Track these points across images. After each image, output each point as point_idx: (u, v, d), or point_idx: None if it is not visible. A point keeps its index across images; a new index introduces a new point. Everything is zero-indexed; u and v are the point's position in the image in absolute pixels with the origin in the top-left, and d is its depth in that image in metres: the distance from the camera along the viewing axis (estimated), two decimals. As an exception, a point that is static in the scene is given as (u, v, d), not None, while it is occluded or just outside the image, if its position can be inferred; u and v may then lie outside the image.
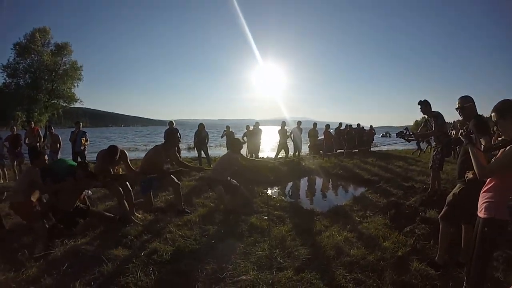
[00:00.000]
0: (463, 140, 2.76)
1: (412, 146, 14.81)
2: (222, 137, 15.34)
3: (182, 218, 5.46)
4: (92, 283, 3.48)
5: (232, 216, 5.57)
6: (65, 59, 28.01)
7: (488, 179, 2.55)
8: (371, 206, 6.09)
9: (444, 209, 3.60)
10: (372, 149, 17.45)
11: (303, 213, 5.73)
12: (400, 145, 21.44)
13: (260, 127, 13.87)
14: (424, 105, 6.15)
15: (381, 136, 56.40)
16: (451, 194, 3.64)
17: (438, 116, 5.99)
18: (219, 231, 4.89)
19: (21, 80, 26.89)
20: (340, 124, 16.78)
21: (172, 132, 7.79)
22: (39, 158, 4.87)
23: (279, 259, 3.88)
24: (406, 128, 6.14)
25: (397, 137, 6.05)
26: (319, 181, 10.06)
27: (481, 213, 2.55)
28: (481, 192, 2.62)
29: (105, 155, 5.41)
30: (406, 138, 5.96)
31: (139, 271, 3.69)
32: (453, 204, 3.53)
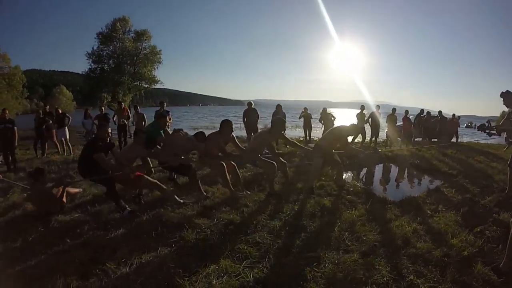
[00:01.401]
0: None
1: (496, 140, 13.87)
2: (300, 118, 15.32)
3: (258, 194, 5.88)
4: (173, 245, 3.96)
5: (305, 196, 5.84)
6: (145, 44, 29.77)
7: None
8: (444, 200, 5.95)
9: None
10: (453, 140, 16.27)
11: (375, 200, 5.77)
12: (487, 138, 19.92)
13: (334, 110, 13.85)
14: (507, 97, 5.68)
15: (465, 127, 51.69)
16: None
17: None
18: (293, 209, 5.18)
19: (105, 65, 29.16)
20: (422, 110, 15.87)
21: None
22: (137, 136, 5.75)
23: (347, 242, 4.05)
24: (488, 121, 5.83)
25: (478, 130, 5.77)
26: (394, 170, 9.92)
27: None
28: None
29: (224, 128, 5.92)
30: (487, 132, 5.58)
31: (216, 238, 4.12)
32: None
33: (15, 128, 9.17)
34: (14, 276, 3.46)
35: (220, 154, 5.96)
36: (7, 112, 9.59)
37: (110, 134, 5.60)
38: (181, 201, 5.48)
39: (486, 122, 5.71)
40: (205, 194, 5.86)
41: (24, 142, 13.79)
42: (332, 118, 14.12)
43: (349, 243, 4.03)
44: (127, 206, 5.23)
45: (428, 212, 5.33)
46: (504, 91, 5.71)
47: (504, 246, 3.71)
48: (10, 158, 9.11)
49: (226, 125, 5.95)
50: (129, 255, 3.72)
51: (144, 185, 5.64)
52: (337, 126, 6.88)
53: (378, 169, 9.90)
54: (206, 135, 6.04)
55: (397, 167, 10.17)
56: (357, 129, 6.51)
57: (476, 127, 7.72)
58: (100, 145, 5.28)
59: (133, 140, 5.93)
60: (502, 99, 5.78)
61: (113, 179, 5.29)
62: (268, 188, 6.09)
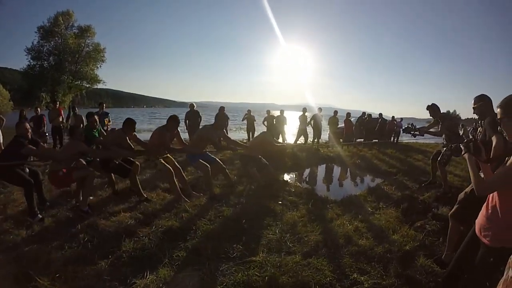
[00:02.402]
0: (462, 148, 2.41)
1: (434, 140, 14.52)
2: (243, 120, 15.44)
3: (198, 199, 5.70)
4: (110, 256, 3.68)
5: (246, 199, 5.75)
6: (88, 41, 28.78)
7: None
8: (385, 198, 6.09)
9: (455, 207, 3.57)
10: (393, 140, 17.03)
11: (317, 200, 5.77)
12: (423, 139, 20.99)
13: (278, 112, 14.09)
14: (432, 110, 6.46)
15: (405, 128, 54.34)
16: (463, 192, 3.62)
17: (445, 118, 6.28)
18: (234, 212, 5.05)
19: (45, 62, 27.81)
20: (364, 113, 16.56)
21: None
22: (74, 134, 5.35)
23: (288, 243, 4.00)
24: (412, 123, 6.41)
25: (403, 132, 6.24)
26: (336, 170, 10.06)
27: (485, 239, 2.23)
28: (484, 207, 2.33)
29: (170, 123, 5.93)
30: (412, 133, 6.26)
31: (154, 246, 3.89)
32: (464, 203, 3.50)
33: None
34: None
35: (163, 147, 5.89)
36: None
37: (29, 130, 5.20)
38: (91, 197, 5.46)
39: (410, 124, 6.24)
40: (145, 196, 5.67)
41: None
42: (285, 124, 14.33)
43: (290, 245, 3.97)
44: (39, 213, 4.88)
45: (369, 209, 5.43)
46: (429, 104, 6.50)
47: (444, 238, 3.85)
48: None
49: (173, 120, 5.98)
50: (64, 269, 3.42)
51: (75, 180, 5.35)
52: (262, 133, 7.57)
53: (321, 170, 10.03)
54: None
55: (339, 167, 10.36)
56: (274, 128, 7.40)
57: (401, 130, 8.28)
58: (23, 141, 4.94)
59: (70, 138, 5.54)
60: (428, 111, 6.52)
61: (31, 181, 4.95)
62: (208, 191, 6.00)
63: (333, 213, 5.11)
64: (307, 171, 9.57)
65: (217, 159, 6.52)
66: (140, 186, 5.75)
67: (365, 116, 16.24)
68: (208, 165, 6.03)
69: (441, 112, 6.48)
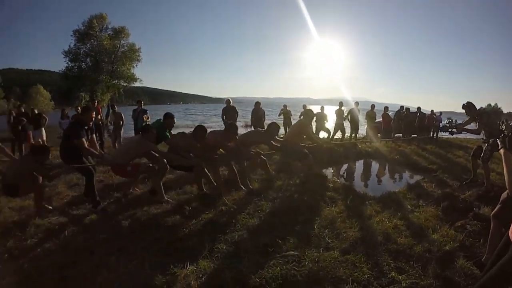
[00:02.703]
0: (499, 143, 2.26)
1: (475, 136, 13.92)
2: (279, 115, 15.45)
3: (238, 193, 5.82)
4: (152, 247, 3.89)
5: (285, 194, 5.82)
6: (123, 42, 29.53)
7: None
8: (425, 195, 5.98)
9: (497, 207, 3.45)
10: (432, 135, 16.22)
11: (356, 196, 5.75)
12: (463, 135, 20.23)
13: (314, 107, 14.04)
14: (468, 109, 6.46)
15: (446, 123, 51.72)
16: (506, 192, 3.50)
17: (482, 115, 6.16)
18: (273, 207, 5.12)
19: (83, 63, 28.82)
20: (401, 107, 16.07)
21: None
22: (148, 133, 5.57)
23: (327, 239, 4.01)
24: (450, 119, 6.36)
25: (441, 131, 6.19)
26: (374, 165, 9.96)
27: None
28: None
29: (197, 133, 5.93)
30: (450, 131, 6.34)
31: (195, 238, 4.06)
32: (506, 203, 3.37)
33: None
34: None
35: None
36: None
37: (93, 119, 5.66)
38: (166, 198, 5.45)
39: (447, 122, 6.23)
40: (204, 190, 5.87)
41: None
42: (325, 121, 14.41)
43: (329, 241, 3.98)
44: (101, 202, 5.19)
45: (409, 207, 5.34)
46: (464, 103, 6.45)
47: (485, 240, 3.70)
48: None
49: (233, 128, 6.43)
50: (107, 257, 3.63)
51: (140, 173, 5.79)
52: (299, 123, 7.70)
53: (359, 165, 9.94)
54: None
55: (377, 163, 10.23)
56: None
57: (440, 127, 8.08)
58: (82, 131, 5.16)
59: (140, 135, 5.71)
60: (464, 110, 6.51)
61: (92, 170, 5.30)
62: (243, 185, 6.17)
63: (372, 209, 5.07)
64: (345, 166, 9.53)
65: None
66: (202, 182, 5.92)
67: (403, 110, 15.79)
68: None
69: (478, 109, 6.37)
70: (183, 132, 6.51)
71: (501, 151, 2.20)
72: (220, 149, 6.48)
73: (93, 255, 3.70)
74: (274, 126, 6.81)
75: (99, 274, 3.31)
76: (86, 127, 5.29)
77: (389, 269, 3.34)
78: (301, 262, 3.46)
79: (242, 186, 6.07)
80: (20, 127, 10.71)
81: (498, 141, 2.35)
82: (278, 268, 3.33)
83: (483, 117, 6.09)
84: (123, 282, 3.16)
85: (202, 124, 6.36)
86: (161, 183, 5.53)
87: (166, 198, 5.43)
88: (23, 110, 11.90)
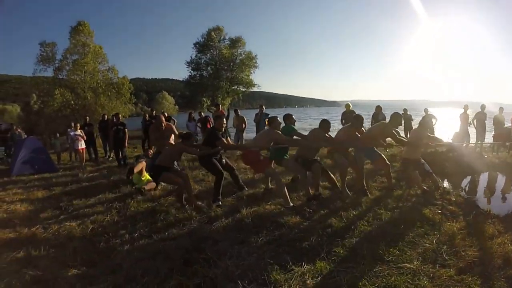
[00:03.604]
0: None
1: None
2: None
3: (357, 199, 6.01)
4: (272, 242, 4.29)
5: (404, 204, 5.83)
6: (240, 51, 31.04)
7: None
8: None
9: None
10: None
11: (478, 213, 5.47)
12: None
13: (433, 109, 13.28)
14: None
15: None
16: None
17: None
18: (392, 217, 5.19)
19: (204, 71, 31.15)
20: None
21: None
22: (274, 122, 6.25)
23: (444, 255, 3.95)
24: None
25: None
26: (500, 179, 9.17)
27: None
28: None
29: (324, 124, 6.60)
30: None
31: (314, 239, 4.33)
32: None
33: (126, 129, 10.57)
34: (118, 254, 4.09)
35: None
36: (119, 116, 11.63)
37: (224, 125, 6.71)
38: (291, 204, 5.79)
39: None
40: (318, 192, 6.20)
41: (132, 141, 15.81)
42: (435, 120, 13.49)
43: (446, 257, 3.93)
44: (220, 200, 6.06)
45: None
46: None
47: None
48: (121, 155, 10.46)
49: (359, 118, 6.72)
50: (230, 247, 4.11)
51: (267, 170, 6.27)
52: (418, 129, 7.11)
53: (483, 178, 9.26)
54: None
55: (505, 177, 9.36)
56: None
57: None
58: (219, 134, 6.28)
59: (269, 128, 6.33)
60: None
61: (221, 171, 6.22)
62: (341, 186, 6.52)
63: (495, 229, 4.78)
64: (468, 178, 8.93)
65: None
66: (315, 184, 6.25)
67: None
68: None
69: None
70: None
71: None
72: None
73: (217, 244, 4.21)
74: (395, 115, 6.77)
75: (222, 260, 3.75)
76: (219, 132, 6.36)
77: None
78: (416, 275, 3.50)
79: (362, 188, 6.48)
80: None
81: None
82: (393, 278, 3.43)
83: None
84: (243, 271, 3.52)
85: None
86: (285, 190, 5.91)
87: (291, 204, 5.77)
88: (153, 114, 13.40)
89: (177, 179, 5.91)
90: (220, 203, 5.95)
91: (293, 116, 6.85)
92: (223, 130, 6.57)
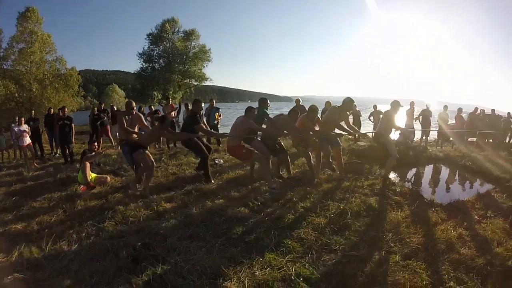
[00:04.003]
0: None
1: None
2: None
3: (305, 191, 6.14)
4: (221, 237, 4.24)
5: (351, 195, 5.95)
6: (194, 43, 30.81)
7: None
8: (494, 206, 5.75)
9: None
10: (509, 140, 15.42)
11: (422, 203, 5.74)
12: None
13: (383, 106, 13.85)
14: None
15: None
16: None
17: None
18: (339, 207, 5.27)
19: (156, 64, 30.59)
20: (476, 109, 14.96)
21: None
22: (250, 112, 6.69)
23: (390, 243, 4.10)
24: None
25: None
26: (444, 171, 9.63)
27: None
28: None
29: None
30: None
31: (262, 231, 4.35)
32: None
33: (72, 124, 10.08)
34: (66, 256, 3.87)
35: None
36: (65, 109, 10.80)
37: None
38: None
39: None
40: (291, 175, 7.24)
41: (80, 137, 15.40)
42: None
43: (392, 244, 4.07)
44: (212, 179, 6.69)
45: (476, 217, 5.22)
46: None
47: None
48: (68, 152, 9.97)
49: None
50: (178, 243, 4.04)
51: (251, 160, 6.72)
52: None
53: (428, 170, 9.68)
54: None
55: (447, 169, 9.90)
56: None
57: None
58: (198, 118, 6.88)
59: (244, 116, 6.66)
60: None
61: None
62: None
63: (438, 217, 5.02)
64: (413, 170, 9.36)
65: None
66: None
67: (478, 112, 14.80)
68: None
69: None
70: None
71: None
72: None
73: (166, 240, 4.13)
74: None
75: (170, 256, 3.69)
76: (198, 115, 6.96)
77: (448, 279, 3.36)
78: (363, 262, 3.62)
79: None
80: (99, 122, 11.95)
81: None
82: (340, 266, 3.53)
83: None
84: (192, 266, 3.47)
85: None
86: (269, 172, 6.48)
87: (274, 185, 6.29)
88: (102, 108, 13.02)
89: (146, 161, 6.21)
90: (213, 181, 6.73)
91: (268, 101, 7.61)
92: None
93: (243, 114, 6.58)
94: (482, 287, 3.28)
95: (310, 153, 7.17)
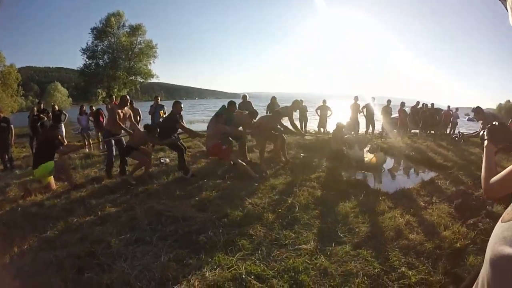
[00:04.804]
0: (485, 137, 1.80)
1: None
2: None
3: (252, 186, 6.01)
4: (168, 239, 4.02)
5: (300, 188, 5.89)
6: (140, 39, 30.13)
7: None
8: (438, 192, 5.98)
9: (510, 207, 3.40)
10: (449, 132, 16.30)
11: (369, 192, 5.81)
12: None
13: (329, 101, 14.33)
14: (477, 113, 7.29)
15: (468, 120, 43.43)
16: None
17: (487, 118, 6.89)
18: (287, 202, 5.20)
19: (100, 60, 29.45)
20: (418, 102, 15.91)
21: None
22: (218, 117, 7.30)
23: (339, 234, 4.08)
24: (469, 116, 6.94)
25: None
26: (389, 161, 9.84)
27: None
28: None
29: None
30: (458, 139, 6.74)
31: (210, 230, 4.15)
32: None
33: (11, 126, 9.17)
34: (10, 272, 3.47)
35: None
36: (1, 111, 9.78)
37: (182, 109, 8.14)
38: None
39: (459, 133, 6.88)
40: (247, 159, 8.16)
41: (21, 140, 14.12)
42: (330, 112, 14.76)
43: (341, 235, 4.06)
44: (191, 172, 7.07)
45: (422, 204, 5.37)
46: (475, 107, 7.21)
47: None
48: (7, 157, 9.09)
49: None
50: (124, 249, 3.77)
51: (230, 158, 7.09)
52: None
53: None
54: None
55: (392, 159, 10.19)
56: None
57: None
58: (177, 118, 7.38)
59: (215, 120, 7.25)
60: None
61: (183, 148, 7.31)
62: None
63: (385, 205, 5.10)
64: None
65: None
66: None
67: (420, 106, 15.65)
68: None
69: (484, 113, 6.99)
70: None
71: (485, 143, 1.78)
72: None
73: (110, 247, 3.83)
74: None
75: (116, 264, 3.44)
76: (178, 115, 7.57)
77: (400, 264, 3.38)
78: (314, 255, 3.55)
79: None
80: (39, 124, 11.05)
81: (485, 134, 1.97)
82: (291, 260, 3.43)
83: (487, 120, 6.42)
84: (140, 272, 3.26)
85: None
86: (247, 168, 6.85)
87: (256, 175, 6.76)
88: (42, 107, 12.20)
89: (143, 157, 6.92)
90: (191, 173, 7.01)
91: (236, 105, 8.61)
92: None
93: (193, 111, 6.74)
94: (433, 270, 3.31)
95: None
